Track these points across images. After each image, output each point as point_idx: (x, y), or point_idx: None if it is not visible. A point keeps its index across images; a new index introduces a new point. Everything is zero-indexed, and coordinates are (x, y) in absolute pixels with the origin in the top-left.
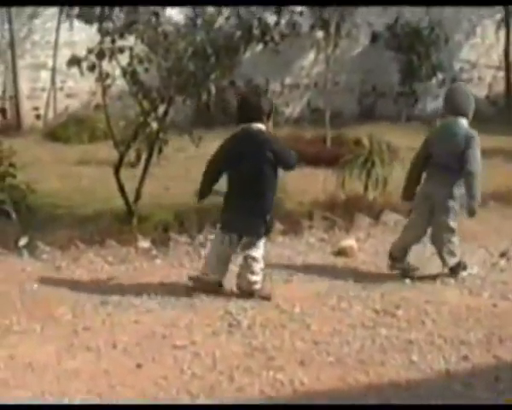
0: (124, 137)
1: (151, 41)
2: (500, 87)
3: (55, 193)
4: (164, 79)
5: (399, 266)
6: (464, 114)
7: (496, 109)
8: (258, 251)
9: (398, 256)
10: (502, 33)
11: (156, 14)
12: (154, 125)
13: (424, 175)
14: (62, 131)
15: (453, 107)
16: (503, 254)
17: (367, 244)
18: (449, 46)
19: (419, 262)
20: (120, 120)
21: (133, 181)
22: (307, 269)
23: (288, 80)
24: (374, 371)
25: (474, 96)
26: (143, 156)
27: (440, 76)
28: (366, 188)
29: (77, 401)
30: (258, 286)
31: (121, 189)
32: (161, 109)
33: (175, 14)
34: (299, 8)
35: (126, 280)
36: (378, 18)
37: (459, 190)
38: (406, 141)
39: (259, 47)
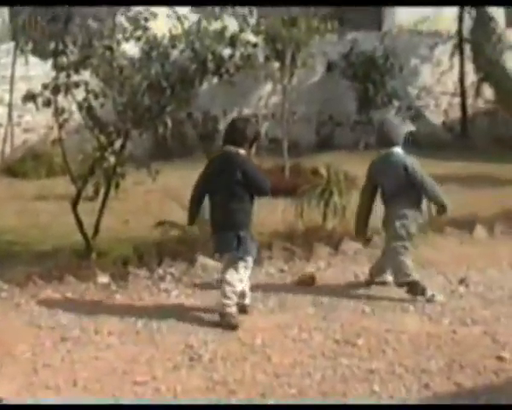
0: (81, 171)
1: (106, 76)
2: (456, 113)
3: (12, 230)
4: (120, 114)
5: (377, 280)
6: (396, 144)
7: (452, 135)
8: (233, 275)
9: (375, 274)
10: (456, 60)
11: (110, 49)
12: (112, 159)
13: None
14: (20, 166)
15: (385, 139)
16: (461, 281)
17: (327, 274)
18: (404, 74)
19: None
20: (78, 153)
21: (92, 215)
22: (268, 300)
23: (245, 111)
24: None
25: (431, 122)
26: (101, 190)
27: (396, 103)
28: (325, 217)
29: None
30: (226, 310)
31: (79, 224)
32: (118, 143)
33: (129, 48)
34: (253, 40)
35: (86, 316)
36: (333, 47)
37: (412, 211)
38: (364, 169)
39: (216, 79)
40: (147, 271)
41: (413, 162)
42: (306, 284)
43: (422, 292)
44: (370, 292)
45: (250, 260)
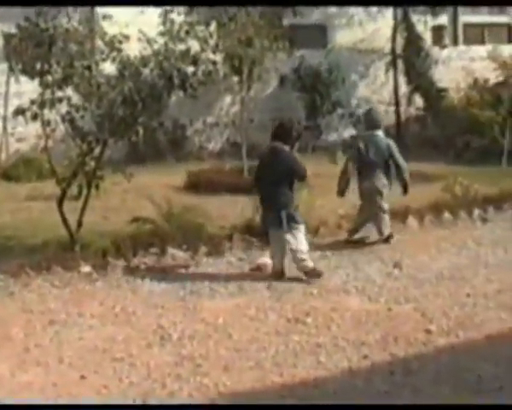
0: (67, 174)
1: (86, 91)
2: (391, 120)
3: (7, 226)
4: (98, 124)
5: (354, 238)
6: (380, 127)
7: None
8: (294, 242)
9: (352, 232)
10: (391, 74)
11: (89, 68)
12: (92, 164)
13: (359, 175)
14: (13, 171)
15: (372, 123)
16: (396, 265)
17: None
18: (346, 85)
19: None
20: (64, 159)
21: (76, 212)
22: (228, 285)
23: (209, 119)
24: (287, 373)
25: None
26: (84, 191)
27: (340, 111)
28: None
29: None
30: (308, 267)
31: (64, 220)
32: (97, 150)
33: (106, 67)
34: (213, 59)
35: (71, 301)
36: (284, 63)
37: (387, 180)
38: (313, 169)
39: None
40: (124, 261)
41: (393, 143)
42: (261, 270)
43: (392, 236)
44: (317, 279)
45: (301, 226)
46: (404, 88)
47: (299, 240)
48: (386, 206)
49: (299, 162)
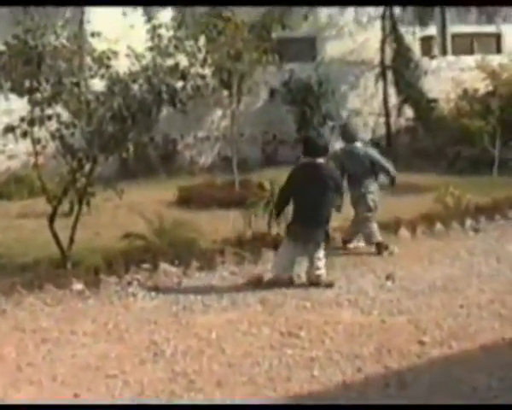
0: (58, 191)
1: (75, 108)
2: (382, 131)
3: None
4: (88, 141)
5: (349, 246)
6: (356, 140)
7: (379, 151)
8: (321, 252)
9: (347, 240)
10: (380, 85)
11: (78, 85)
12: (82, 180)
13: (348, 186)
14: (4, 189)
15: (349, 136)
16: (388, 277)
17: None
18: (336, 97)
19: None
20: (55, 176)
21: (67, 229)
22: (221, 299)
23: (200, 134)
24: (281, 387)
25: (361, 139)
26: (75, 207)
27: (330, 123)
28: (269, 225)
29: None
30: (323, 277)
31: (56, 237)
32: (88, 167)
33: (95, 83)
34: (202, 73)
35: (63, 319)
36: (274, 76)
37: (374, 186)
38: None
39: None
40: (116, 277)
41: (371, 149)
42: (255, 284)
43: (386, 248)
44: (310, 291)
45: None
46: (394, 99)
47: (322, 254)
48: (371, 215)
49: (338, 174)
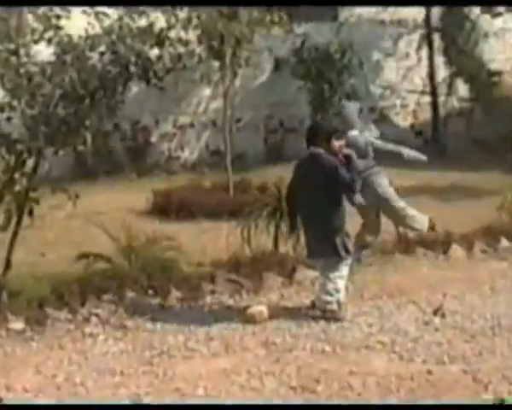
0: None
1: (12, 85)
2: (426, 114)
3: None
4: (30, 129)
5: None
6: (354, 127)
7: (422, 141)
8: (335, 272)
9: (363, 245)
10: (424, 53)
11: (16, 53)
12: (23, 182)
13: None
14: None
15: (346, 123)
16: (436, 311)
17: (280, 308)
18: (364, 70)
19: None
20: None
21: (3, 248)
22: (211, 342)
23: (181, 120)
24: None
25: (397, 126)
26: (14, 218)
27: (357, 105)
28: (276, 242)
29: None
30: (330, 306)
31: None
32: (30, 164)
33: (40, 51)
34: (185, 38)
35: None
36: (281, 42)
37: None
38: None
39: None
40: (68, 312)
41: (372, 136)
42: (255, 321)
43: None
44: (330, 328)
45: (349, 257)
46: (442, 71)
47: (339, 275)
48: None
49: (343, 170)
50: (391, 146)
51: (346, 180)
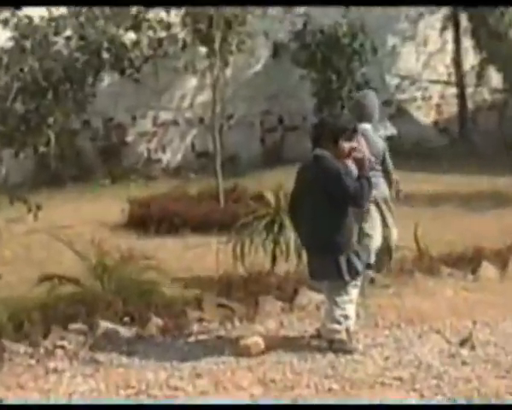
0: None
1: None
2: (452, 108)
3: None
4: None
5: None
6: (369, 120)
7: (447, 139)
8: (343, 296)
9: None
10: (449, 35)
11: None
12: None
13: None
14: None
15: (362, 113)
16: (464, 341)
17: (279, 338)
18: (379, 57)
19: None
20: None
21: None
22: (198, 379)
23: (163, 116)
24: None
25: (418, 122)
26: None
27: None
28: (274, 259)
29: None
30: (338, 336)
31: None
32: None
33: None
34: (165, 19)
35: None
36: (280, 24)
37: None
38: None
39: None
40: (28, 345)
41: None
42: (250, 353)
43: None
44: (339, 362)
45: (359, 277)
46: (471, 58)
47: (348, 299)
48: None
49: (348, 177)
50: (391, 166)
51: (350, 191)
